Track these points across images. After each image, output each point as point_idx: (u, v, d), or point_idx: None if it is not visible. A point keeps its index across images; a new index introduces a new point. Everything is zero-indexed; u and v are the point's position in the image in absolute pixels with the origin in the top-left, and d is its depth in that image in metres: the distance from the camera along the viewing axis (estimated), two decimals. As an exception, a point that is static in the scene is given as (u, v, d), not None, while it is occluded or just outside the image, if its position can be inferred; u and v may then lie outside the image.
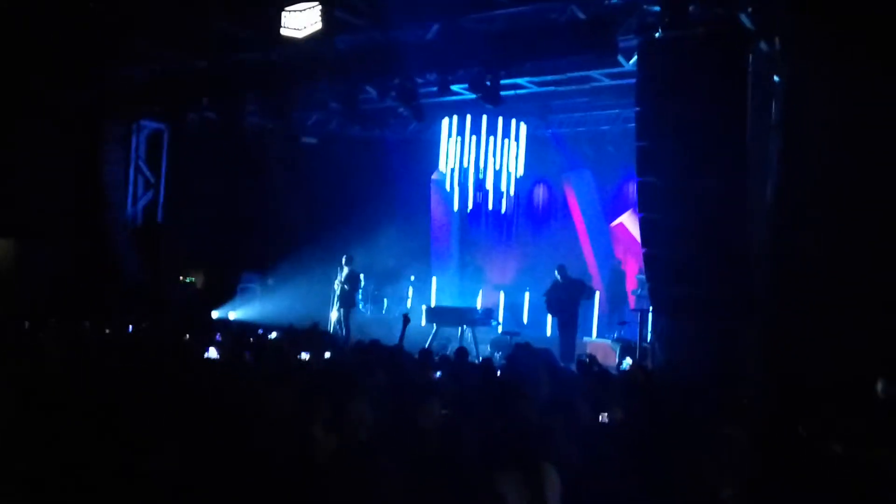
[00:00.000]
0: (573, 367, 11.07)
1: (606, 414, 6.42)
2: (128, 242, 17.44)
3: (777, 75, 10.72)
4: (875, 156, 9.40)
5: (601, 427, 6.20)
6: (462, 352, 10.12)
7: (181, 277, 18.39)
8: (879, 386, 7.99)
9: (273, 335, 12.17)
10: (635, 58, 11.43)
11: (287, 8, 13.30)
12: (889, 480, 4.80)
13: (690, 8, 10.54)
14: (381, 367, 7.57)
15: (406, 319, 11.19)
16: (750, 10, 10.56)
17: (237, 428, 4.95)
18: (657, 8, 10.87)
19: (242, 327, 14.75)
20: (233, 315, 17.70)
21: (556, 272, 15.01)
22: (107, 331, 11.66)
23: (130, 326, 11.98)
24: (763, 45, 10.75)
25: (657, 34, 10.78)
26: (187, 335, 11.11)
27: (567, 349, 14.15)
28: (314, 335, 11.48)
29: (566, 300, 14.63)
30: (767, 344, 10.18)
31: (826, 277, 9.62)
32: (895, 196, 9.28)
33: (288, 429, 4.90)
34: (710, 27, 10.45)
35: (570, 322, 14.59)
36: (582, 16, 11.89)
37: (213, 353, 8.62)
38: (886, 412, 7.59)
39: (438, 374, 8.16)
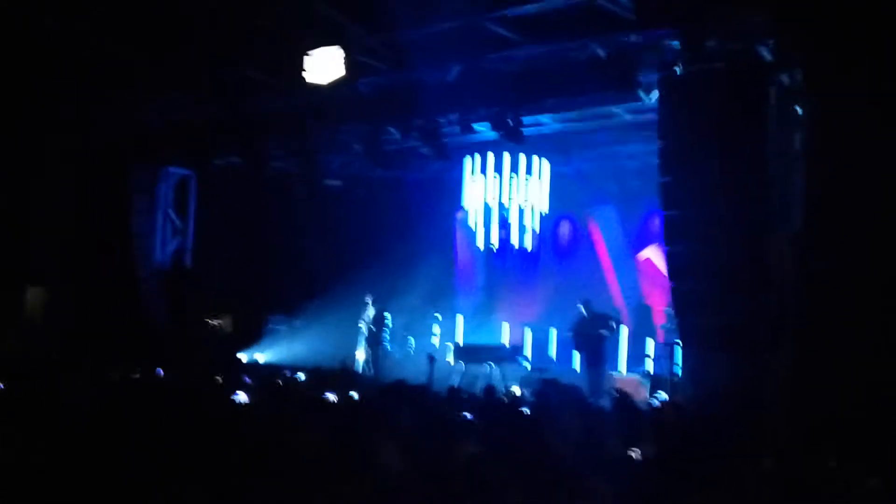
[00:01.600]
0: (602, 402, 11.01)
1: (638, 450, 6.37)
2: (157, 288, 17.61)
3: (799, 106, 10.73)
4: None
5: (632, 463, 6.15)
6: (490, 390, 10.10)
7: (209, 321, 18.52)
8: None
9: (300, 376, 12.19)
10: (656, 93, 11.48)
11: (309, 53, 13.51)
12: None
13: (709, 43, 10.60)
14: (408, 406, 7.58)
15: (431, 360, 11.21)
16: (769, 42, 10.61)
17: (267, 471, 4.97)
18: (676, 44, 10.95)
19: (270, 369, 14.80)
20: (260, 357, 17.77)
21: (580, 306, 14.95)
22: (136, 375, 11.73)
23: (160, 370, 12.04)
24: (784, 78, 10.77)
25: (677, 69, 10.84)
26: (217, 378, 11.15)
27: (595, 385, 14.08)
28: (343, 376, 11.51)
29: (592, 335, 14.58)
30: (797, 375, 10.07)
31: (856, 307, 9.53)
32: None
33: (318, 471, 4.92)
34: (730, 61, 10.51)
35: (596, 357, 14.52)
36: (602, 53, 11.98)
37: (242, 396, 8.65)
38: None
39: (468, 415, 8.13)
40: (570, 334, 15.00)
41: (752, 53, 10.62)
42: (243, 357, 17.61)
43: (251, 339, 18.13)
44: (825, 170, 10.07)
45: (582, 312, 14.83)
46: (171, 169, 18.13)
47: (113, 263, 17.15)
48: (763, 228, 10.30)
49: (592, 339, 14.55)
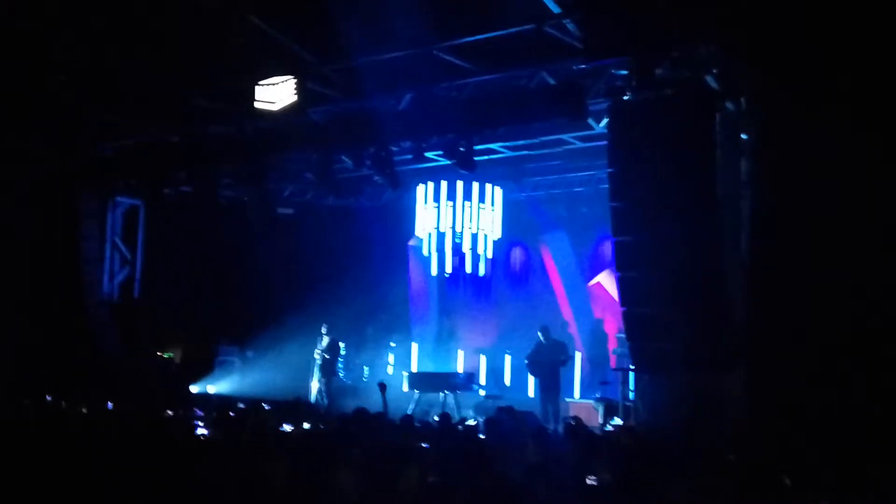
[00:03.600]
0: (557, 429, 11.04)
1: (594, 477, 6.39)
2: (105, 319, 17.29)
3: (744, 133, 10.96)
4: (844, 207, 9.57)
5: (589, 489, 6.17)
6: (445, 417, 10.07)
7: (159, 353, 18.22)
8: None
9: (264, 406, 12.04)
10: (606, 120, 11.64)
11: (261, 82, 13.48)
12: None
13: (657, 71, 10.80)
14: (364, 435, 7.52)
15: (382, 387, 11.13)
16: (715, 71, 10.84)
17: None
18: (625, 72, 11.13)
19: (222, 401, 14.59)
20: (212, 389, 17.52)
21: (539, 333, 14.99)
22: (84, 409, 11.50)
23: (109, 404, 11.81)
24: (730, 105, 11.00)
25: (626, 97, 11.02)
26: (168, 411, 10.98)
27: (551, 412, 14.12)
28: (297, 407, 11.40)
29: (549, 362, 14.61)
30: (749, 396, 10.21)
31: (803, 328, 9.70)
32: (868, 246, 9.42)
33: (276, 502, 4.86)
34: (678, 89, 10.70)
35: (553, 384, 14.55)
36: (552, 81, 12.14)
37: (200, 429, 8.53)
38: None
39: (424, 444, 8.10)
40: (526, 361, 15.02)
41: (700, 82, 10.83)
42: (195, 389, 17.35)
43: (202, 370, 17.86)
44: (770, 195, 10.27)
45: (540, 339, 14.86)
46: (120, 198, 17.88)
47: (61, 293, 16.80)
48: (712, 252, 10.45)
49: (549, 365, 14.58)
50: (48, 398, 12.03)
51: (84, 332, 16.75)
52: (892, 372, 9.06)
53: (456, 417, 12.83)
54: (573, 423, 10.01)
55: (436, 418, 10.84)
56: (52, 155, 16.14)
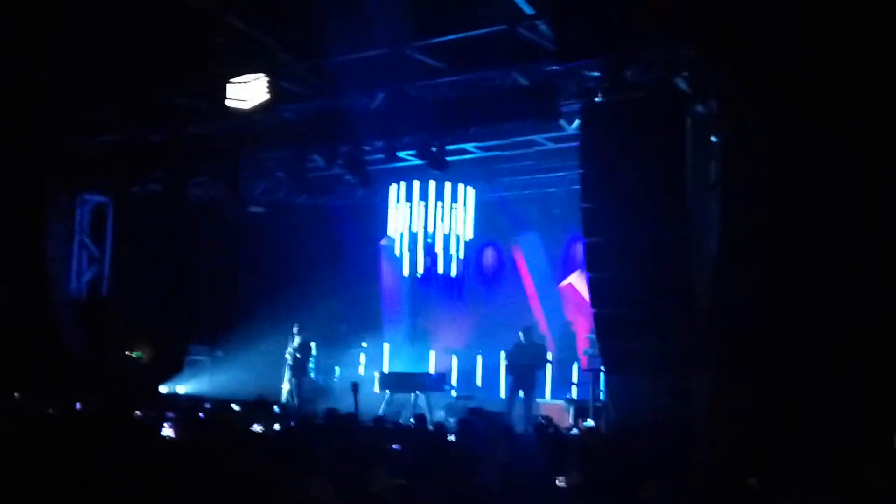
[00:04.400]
0: (528, 430, 11.07)
1: (563, 478, 6.41)
2: (72, 318, 17.10)
3: (714, 135, 11.04)
4: (811, 210, 9.68)
5: (558, 491, 6.19)
6: (420, 418, 10.06)
7: (127, 352, 18.05)
8: None
9: (234, 406, 11.99)
10: (577, 122, 11.68)
11: (232, 80, 13.38)
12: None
13: (628, 73, 10.86)
14: (335, 436, 7.50)
15: (355, 387, 11.07)
16: (686, 73, 10.91)
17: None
18: (597, 73, 11.18)
19: (192, 401, 14.49)
20: (181, 389, 17.38)
21: (520, 333, 14.95)
22: (50, 409, 11.37)
23: (78, 404, 11.68)
24: (700, 107, 11.08)
25: (597, 98, 11.06)
26: (136, 411, 10.87)
27: (524, 412, 14.12)
28: (267, 407, 11.34)
29: (526, 364, 14.59)
30: (717, 397, 10.29)
31: (769, 329, 9.80)
32: (834, 248, 9.53)
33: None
34: (648, 91, 10.77)
35: (527, 385, 14.53)
36: (524, 82, 12.15)
37: (167, 430, 8.45)
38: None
39: (396, 446, 8.09)
40: (505, 362, 14.98)
41: (670, 84, 10.90)
42: (164, 389, 17.21)
43: (171, 370, 17.71)
44: (739, 198, 10.36)
45: (521, 340, 14.84)
46: (87, 196, 17.70)
47: (27, 292, 16.60)
48: (681, 254, 10.52)
49: (526, 367, 14.57)
50: (15, 395, 11.91)
51: (50, 331, 16.57)
52: (857, 373, 9.18)
53: (428, 418, 12.83)
54: (544, 423, 10.06)
55: (411, 420, 10.83)
56: (21, 151, 15.94)
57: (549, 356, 15.25)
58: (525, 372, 14.56)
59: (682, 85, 11.01)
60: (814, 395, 9.31)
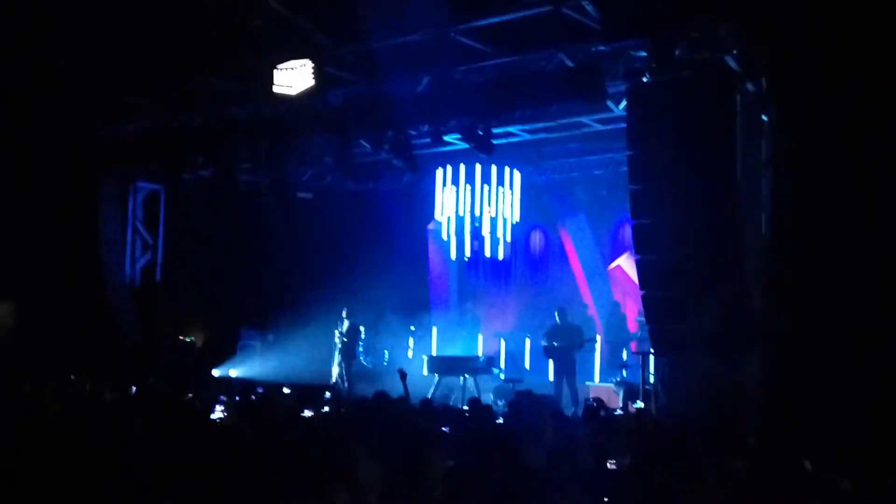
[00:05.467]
0: (577, 411, 11.04)
1: (614, 461, 6.40)
2: (127, 303, 17.44)
3: (765, 114, 10.86)
4: (864, 186, 9.50)
5: (608, 473, 6.18)
6: (475, 402, 10.07)
7: (181, 336, 18.36)
8: None
9: (285, 390, 12.14)
10: (624, 102, 11.57)
11: (279, 66, 13.48)
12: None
13: (676, 52, 10.71)
14: (386, 420, 7.55)
15: (403, 375, 11.11)
16: (735, 52, 10.73)
17: (243, 489, 4.93)
18: (644, 53, 11.05)
19: (244, 385, 14.69)
20: (233, 373, 17.63)
21: (556, 314, 14.93)
22: (105, 393, 11.62)
23: (133, 388, 11.92)
24: (749, 86, 10.91)
25: (645, 79, 10.93)
26: (189, 395, 11.06)
27: (570, 394, 14.10)
28: (318, 390, 11.43)
29: (564, 345, 14.53)
30: (768, 379, 10.17)
31: (824, 309, 9.65)
32: (888, 227, 9.35)
33: (296, 487, 4.89)
34: (697, 70, 10.61)
35: (567, 367, 14.48)
36: (570, 63, 12.07)
37: (218, 413, 8.59)
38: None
39: (445, 428, 8.12)
40: (543, 343, 14.96)
41: (719, 62, 10.73)
42: (216, 373, 17.48)
43: (224, 354, 17.98)
44: (790, 177, 10.19)
45: (556, 321, 14.82)
46: (141, 183, 18.00)
47: (83, 278, 16.95)
48: (731, 235, 10.38)
49: (564, 349, 14.52)
50: (72, 378, 12.18)
51: (106, 316, 16.91)
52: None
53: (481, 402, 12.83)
54: (594, 405, 10.02)
55: (464, 406, 10.84)
56: (74, 139, 16.25)
57: (589, 336, 15.10)
58: (563, 353, 14.49)
59: (732, 63, 10.83)
60: (866, 377, 9.16)
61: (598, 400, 10.93)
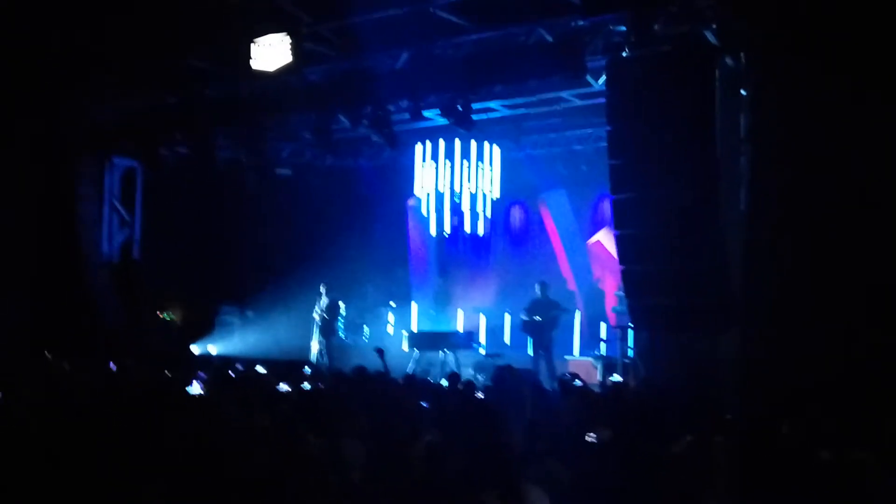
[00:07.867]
0: (554, 386, 11.10)
1: (594, 434, 6.44)
2: (104, 281, 17.31)
3: (744, 89, 10.88)
4: (842, 163, 9.55)
5: (588, 446, 6.22)
6: (454, 377, 10.10)
7: (159, 313, 18.29)
8: None
9: (259, 368, 12.11)
10: (604, 77, 11.56)
11: (256, 41, 13.35)
12: (872, 484, 4.85)
13: (655, 26, 10.70)
14: (368, 395, 7.57)
15: (380, 352, 11.04)
16: (714, 26, 10.73)
17: (223, 463, 4.93)
18: (623, 27, 11.02)
19: (223, 361, 14.66)
20: (213, 349, 17.60)
21: (536, 287, 14.94)
22: (87, 369, 11.56)
23: (112, 365, 11.86)
24: (728, 61, 10.91)
25: (624, 53, 10.93)
26: (168, 372, 11.03)
27: (547, 368, 14.14)
28: (297, 366, 11.41)
29: (543, 319, 14.55)
30: (747, 352, 10.25)
31: (801, 283, 9.72)
32: (864, 200, 9.41)
33: (275, 462, 4.89)
34: (676, 44, 10.62)
35: (546, 341, 14.51)
36: (549, 38, 12.02)
37: (196, 388, 8.57)
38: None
39: (424, 403, 8.14)
40: (523, 317, 14.97)
41: (698, 36, 10.73)
42: (195, 349, 17.44)
43: (203, 331, 17.94)
44: (769, 151, 10.22)
45: (537, 294, 14.82)
46: (117, 159, 17.81)
47: (60, 255, 16.80)
48: (711, 209, 10.42)
49: (543, 322, 14.55)
50: (48, 356, 12.09)
51: (83, 293, 16.79)
52: (889, 329, 9.09)
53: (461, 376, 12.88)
54: (569, 378, 10.08)
55: (443, 381, 10.88)
56: (49, 117, 16.05)
57: (568, 306, 15.10)
58: (541, 327, 14.51)
59: (711, 38, 10.83)
60: (844, 351, 9.25)
61: (573, 374, 10.99)
